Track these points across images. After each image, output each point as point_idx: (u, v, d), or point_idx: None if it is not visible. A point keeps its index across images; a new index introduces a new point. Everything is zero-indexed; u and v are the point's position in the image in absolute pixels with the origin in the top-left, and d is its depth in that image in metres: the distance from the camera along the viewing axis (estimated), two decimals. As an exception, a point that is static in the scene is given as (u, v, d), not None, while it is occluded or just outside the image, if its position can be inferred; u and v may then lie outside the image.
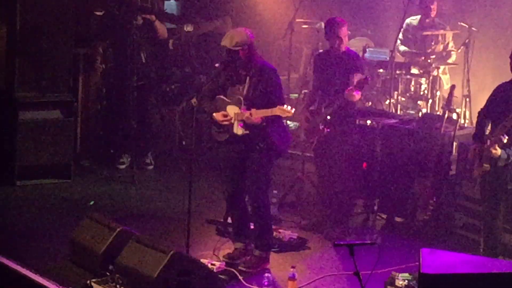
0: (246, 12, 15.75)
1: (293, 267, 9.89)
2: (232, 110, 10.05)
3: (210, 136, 12.91)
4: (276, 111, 9.73)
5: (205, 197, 12.22)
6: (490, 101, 10.11)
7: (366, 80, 11.27)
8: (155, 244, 9.71)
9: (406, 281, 9.77)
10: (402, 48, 14.63)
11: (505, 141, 9.56)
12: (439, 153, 11.51)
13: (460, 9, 14.49)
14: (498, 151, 9.55)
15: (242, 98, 10.03)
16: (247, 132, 10.02)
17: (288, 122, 11.55)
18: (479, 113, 10.26)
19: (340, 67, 11.42)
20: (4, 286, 10.00)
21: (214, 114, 10.15)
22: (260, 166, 10.20)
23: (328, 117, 11.32)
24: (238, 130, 10.02)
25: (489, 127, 9.91)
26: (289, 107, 9.72)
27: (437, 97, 14.13)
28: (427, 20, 14.51)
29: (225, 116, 10.07)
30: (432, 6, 14.43)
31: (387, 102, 14.09)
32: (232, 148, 10.32)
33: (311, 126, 11.58)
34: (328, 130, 11.34)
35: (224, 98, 10.16)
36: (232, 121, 10.04)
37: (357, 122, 12.15)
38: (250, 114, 9.85)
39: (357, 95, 11.18)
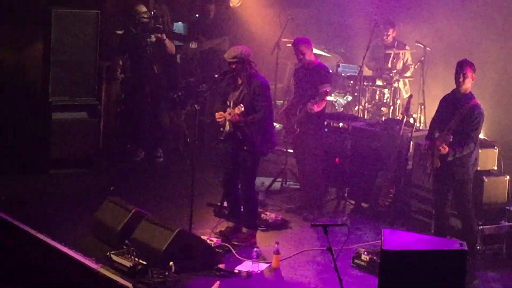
0: (241, 33, 15.73)
1: (277, 243, 9.91)
2: (228, 111, 10.13)
3: (210, 135, 12.96)
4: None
5: (205, 185, 12.20)
6: (437, 110, 10.19)
7: (327, 92, 11.41)
8: (164, 223, 9.74)
9: (370, 256, 9.80)
10: (369, 64, 14.63)
11: (450, 139, 9.61)
12: (399, 151, 11.51)
13: (417, 31, 14.49)
14: (446, 149, 9.61)
15: (232, 102, 10.09)
16: (232, 129, 10.11)
17: (275, 123, 11.56)
18: (431, 121, 10.31)
19: (310, 79, 11.48)
20: (39, 258, 10.01)
21: (216, 114, 10.24)
22: (246, 165, 10.32)
23: (297, 127, 11.45)
24: (227, 126, 10.16)
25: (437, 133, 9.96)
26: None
27: (397, 104, 14.15)
28: (387, 41, 14.55)
29: (220, 115, 10.14)
30: (386, 33, 14.48)
31: (356, 108, 14.10)
32: (227, 145, 10.38)
33: (288, 126, 11.66)
34: (299, 130, 11.42)
35: (228, 103, 10.21)
36: (227, 118, 10.14)
37: (331, 124, 12.20)
38: (233, 113, 9.96)
39: (316, 108, 11.29)
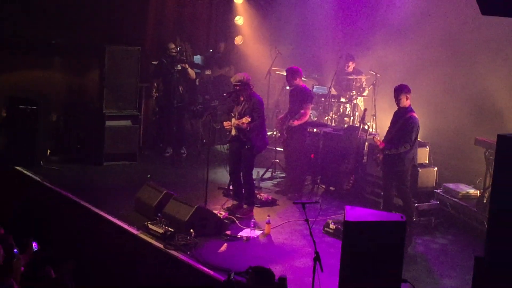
0: (243, 63, 15.74)
1: (268, 216, 9.94)
2: (233, 120, 10.13)
3: (220, 137, 12.95)
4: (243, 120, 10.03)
5: (216, 173, 12.19)
6: (391, 121, 10.27)
7: (304, 113, 11.37)
8: (186, 201, 9.76)
9: (336, 225, 9.80)
10: (335, 86, 14.61)
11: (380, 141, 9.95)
12: (357, 149, 11.51)
13: (371, 62, 14.49)
14: (382, 144, 9.91)
15: (237, 114, 10.10)
16: (237, 133, 10.14)
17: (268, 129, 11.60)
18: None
19: (297, 98, 11.49)
20: (95, 226, 10.01)
21: (224, 122, 10.24)
22: (247, 159, 10.33)
23: (285, 133, 11.46)
24: (233, 131, 10.16)
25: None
26: (233, 121, 10.15)
27: (356, 115, 14.14)
28: (348, 71, 14.52)
29: (228, 124, 10.15)
30: (347, 64, 14.43)
31: (326, 118, 14.09)
32: (232, 145, 10.39)
33: (281, 131, 11.66)
34: (286, 135, 11.41)
35: (232, 114, 10.21)
36: (232, 125, 10.11)
37: (308, 130, 12.17)
38: (241, 122, 9.96)
39: (296, 123, 11.33)
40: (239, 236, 9.50)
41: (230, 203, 10.70)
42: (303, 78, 14.43)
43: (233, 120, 10.19)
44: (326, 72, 15.47)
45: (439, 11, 13.31)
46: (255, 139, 10.19)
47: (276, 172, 12.75)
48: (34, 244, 7.22)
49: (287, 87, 12.98)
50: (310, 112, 14.05)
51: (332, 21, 15.59)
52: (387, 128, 10.36)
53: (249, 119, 10.00)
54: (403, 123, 9.89)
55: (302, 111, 11.34)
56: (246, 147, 10.21)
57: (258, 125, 10.14)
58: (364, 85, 14.51)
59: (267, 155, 12.98)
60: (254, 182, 10.97)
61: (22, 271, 6.77)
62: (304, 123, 11.48)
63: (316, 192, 12.05)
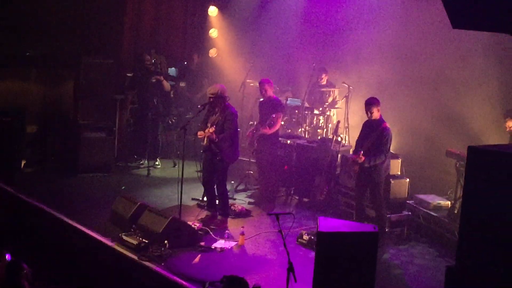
0: (217, 75, 15.72)
1: (242, 227, 9.90)
2: (206, 130, 10.14)
3: (194, 149, 12.89)
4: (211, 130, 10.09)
5: (190, 184, 12.13)
6: (360, 132, 10.29)
7: (274, 117, 11.44)
8: (160, 212, 9.71)
9: (309, 236, 9.78)
10: (309, 99, 14.64)
11: (361, 154, 9.78)
12: (330, 160, 11.53)
13: (343, 74, 14.55)
14: (362, 158, 9.75)
15: (210, 124, 10.08)
16: (208, 144, 10.19)
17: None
18: (356, 140, 10.39)
19: (267, 108, 11.54)
20: (69, 238, 9.92)
21: (198, 132, 10.30)
22: (219, 170, 10.32)
23: (255, 143, 11.47)
24: (205, 141, 10.21)
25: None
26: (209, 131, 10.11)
27: (329, 127, 14.16)
28: (321, 83, 14.55)
29: (201, 134, 10.22)
30: (320, 77, 14.45)
31: (300, 130, 14.10)
32: (205, 155, 10.39)
33: (251, 141, 11.66)
34: (257, 145, 11.47)
35: (208, 124, 10.20)
36: (205, 134, 10.11)
37: (281, 141, 12.18)
38: (211, 132, 10.00)
39: (267, 131, 11.42)
40: (213, 247, 9.45)
41: (204, 214, 10.67)
42: (276, 88, 14.52)
43: (206, 130, 10.19)
44: (300, 84, 15.52)
45: (408, 27, 13.42)
46: (226, 150, 10.17)
47: (250, 184, 12.73)
48: (7, 255, 7.10)
49: (261, 99, 12.96)
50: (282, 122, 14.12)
51: (305, 35, 15.65)
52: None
53: (213, 129, 10.00)
54: (378, 134, 9.92)
55: (273, 120, 11.37)
56: (217, 158, 10.19)
57: (228, 137, 10.12)
58: (336, 98, 14.56)
59: (241, 166, 12.96)
60: (228, 193, 10.94)
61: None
62: (275, 132, 11.51)
63: (290, 203, 12.05)
